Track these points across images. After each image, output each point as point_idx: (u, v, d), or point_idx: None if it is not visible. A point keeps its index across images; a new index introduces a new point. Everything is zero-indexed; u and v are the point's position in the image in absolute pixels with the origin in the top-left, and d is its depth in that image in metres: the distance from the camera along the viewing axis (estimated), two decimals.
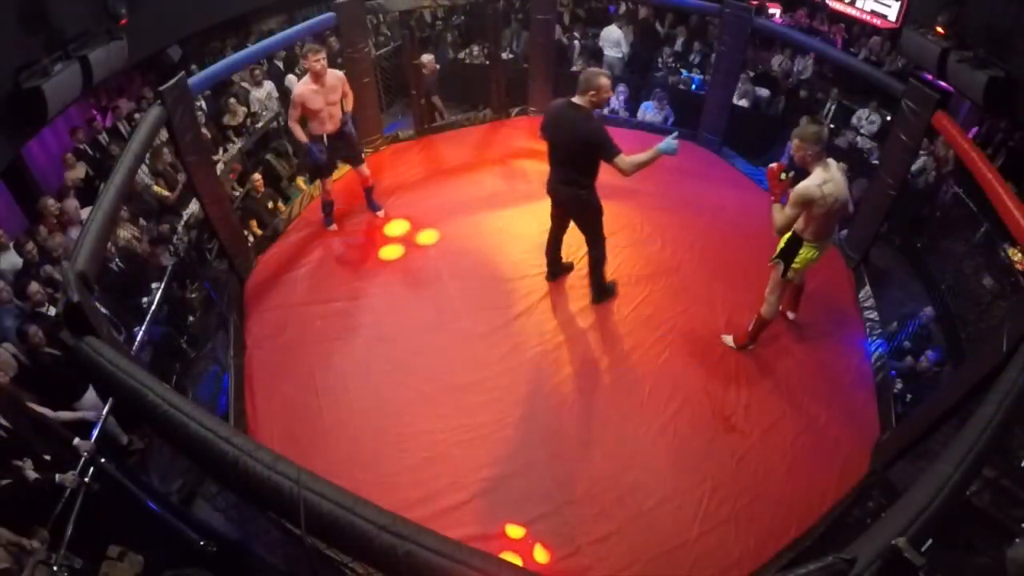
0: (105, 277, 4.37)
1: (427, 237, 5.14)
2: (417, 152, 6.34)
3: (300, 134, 4.62)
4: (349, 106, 4.77)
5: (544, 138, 3.89)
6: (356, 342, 4.27)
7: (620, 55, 7.85)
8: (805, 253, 3.66)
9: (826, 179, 3.35)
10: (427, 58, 6.74)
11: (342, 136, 4.80)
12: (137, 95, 6.90)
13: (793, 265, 3.71)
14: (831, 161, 3.43)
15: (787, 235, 3.71)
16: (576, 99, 3.63)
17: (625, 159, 3.61)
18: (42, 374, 3.77)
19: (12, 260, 4.47)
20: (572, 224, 4.22)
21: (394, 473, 3.48)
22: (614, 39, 7.84)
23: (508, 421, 3.74)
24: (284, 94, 7.11)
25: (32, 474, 3.00)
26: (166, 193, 5.76)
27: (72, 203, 5.08)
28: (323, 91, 4.52)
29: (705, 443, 3.66)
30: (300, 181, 6.63)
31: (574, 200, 3.97)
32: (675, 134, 3.68)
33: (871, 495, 3.46)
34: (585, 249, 4.35)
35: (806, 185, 3.35)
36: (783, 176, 3.50)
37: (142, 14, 4.92)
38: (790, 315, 4.36)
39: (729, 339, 4.24)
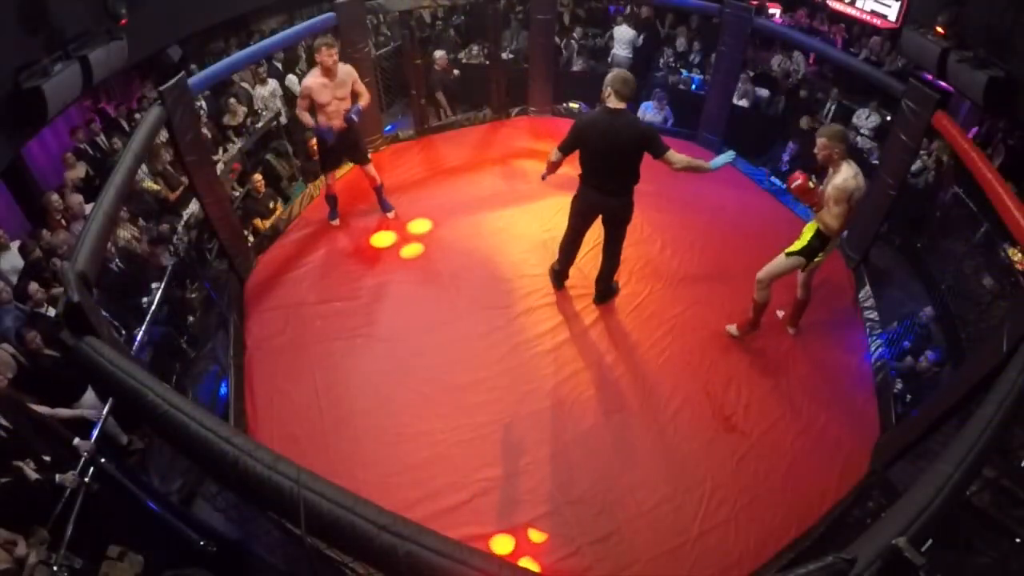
0: (105, 277, 4.37)
1: (427, 237, 5.14)
2: (417, 152, 6.34)
3: (308, 119, 4.63)
4: (364, 102, 4.78)
5: (578, 150, 3.76)
6: (356, 342, 4.27)
7: (630, 54, 7.89)
8: (828, 248, 3.79)
9: (856, 172, 3.48)
10: (439, 54, 6.82)
11: (348, 132, 4.79)
12: (137, 95, 6.90)
13: (816, 259, 3.83)
14: (850, 159, 3.55)
15: (810, 232, 3.79)
16: (615, 104, 3.60)
17: (676, 154, 3.66)
18: (41, 375, 3.76)
19: (12, 260, 4.47)
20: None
21: (394, 473, 3.48)
22: (628, 38, 7.87)
23: (508, 421, 3.75)
24: (285, 94, 7.12)
25: (33, 475, 2.99)
26: (157, 188, 5.74)
27: (76, 198, 5.07)
28: (332, 85, 4.54)
29: (705, 443, 3.67)
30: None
31: (624, 209, 3.94)
32: (731, 153, 3.84)
33: (871, 495, 3.46)
34: (586, 249, 4.35)
35: (844, 179, 3.47)
36: (811, 184, 3.58)
37: (142, 14, 4.92)
38: (791, 331, 4.37)
39: (732, 328, 4.30)
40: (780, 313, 4.33)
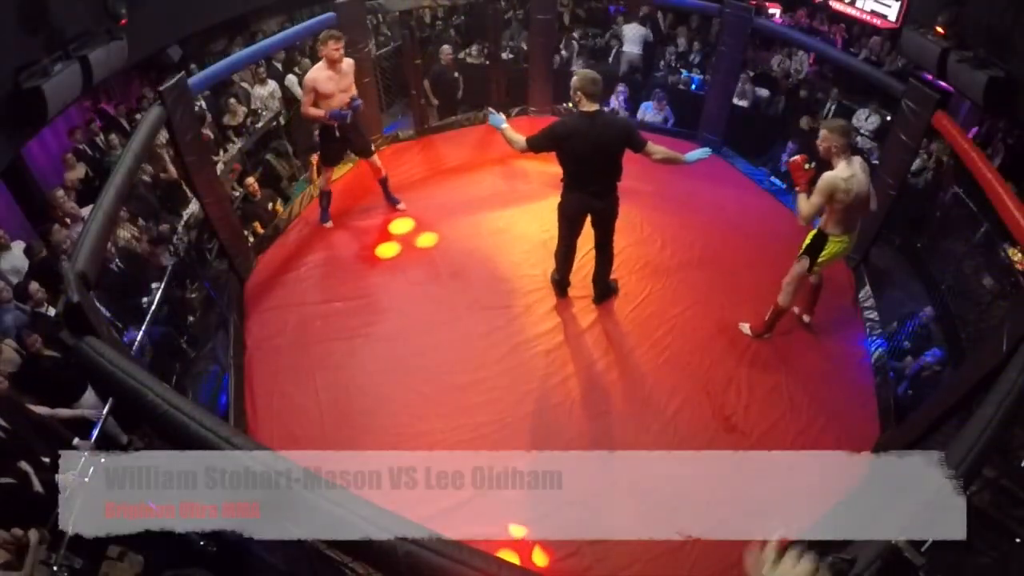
0: (105, 277, 4.37)
1: (427, 237, 5.14)
2: (417, 152, 6.34)
3: (316, 111, 4.57)
4: (353, 91, 4.80)
5: (564, 156, 3.71)
6: (356, 342, 4.27)
7: (641, 51, 7.94)
8: (831, 248, 3.78)
9: (850, 173, 3.50)
10: (446, 48, 6.85)
11: (353, 124, 4.80)
12: (137, 95, 6.91)
13: (819, 260, 3.82)
14: (855, 158, 3.57)
15: (812, 232, 3.83)
16: (588, 106, 3.56)
17: (654, 146, 3.70)
18: (41, 375, 3.76)
19: (12, 260, 4.47)
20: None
21: None
22: (639, 35, 7.91)
23: (508, 421, 3.74)
24: (284, 94, 7.12)
25: (38, 487, 2.99)
26: (148, 175, 5.71)
27: (69, 204, 5.07)
28: (337, 78, 4.54)
29: (705, 443, 3.66)
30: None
31: (612, 208, 3.93)
32: (707, 149, 3.92)
33: None
34: (583, 252, 4.35)
35: (833, 175, 3.50)
36: (807, 166, 3.63)
37: (142, 14, 4.92)
38: (805, 318, 4.38)
39: (746, 327, 4.30)
40: (795, 309, 4.35)
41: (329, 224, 5.29)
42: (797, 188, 3.70)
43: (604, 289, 4.43)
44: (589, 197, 3.84)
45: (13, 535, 2.74)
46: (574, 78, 3.60)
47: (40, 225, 4.82)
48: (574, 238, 4.14)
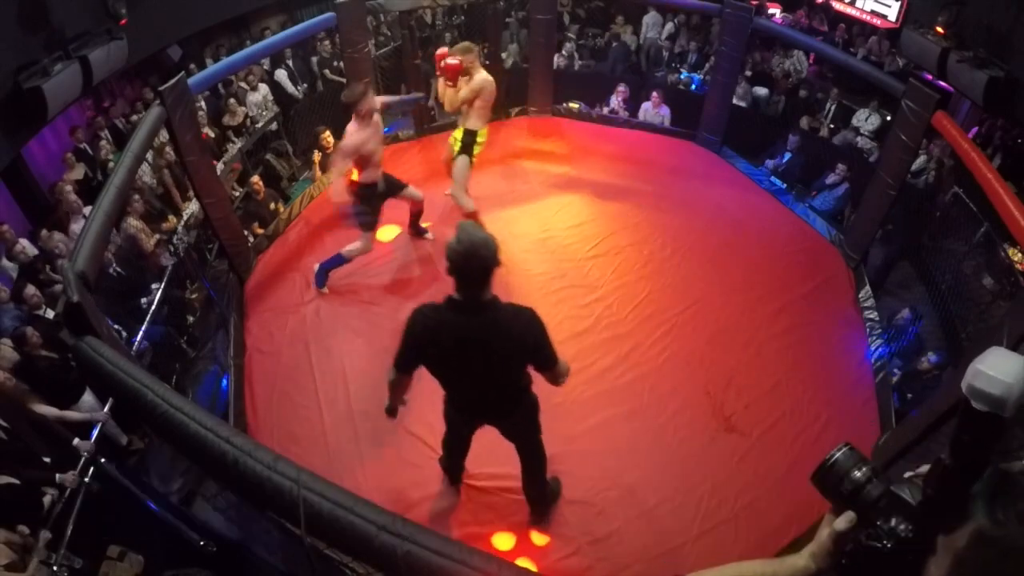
0: (104, 280, 4.37)
1: (427, 237, 5.13)
2: (417, 152, 6.34)
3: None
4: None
5: (429, 361, 2.56)
6: (356, 342, 4.27)
7: (658, 35, 8.06)
8: (480, 138, 4.53)
9: (491, 78, 4.36)
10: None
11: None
12: (136, 95, 6.91)
13: (475, 151, 4.56)
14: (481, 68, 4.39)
15: (460, 136, 4.55)
16: (470, 294, 2.17)
17: (561, 364, 2.41)
18: (38, 376, 3.76)
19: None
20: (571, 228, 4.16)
21: (394, 473, 3.48)
22: (659, 22, 8.09)
23: None
24: (276, 96, 7.12)
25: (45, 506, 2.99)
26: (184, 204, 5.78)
27: (71, 197, 5.07)
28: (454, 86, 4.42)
29: (705, 443, 3.66)
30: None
31: (524, 418, 2.73)
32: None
33: None
34: (588, 247, 4.32)
35: (486, 78, 4.35)
36: (453, 61, 4.31)
37: (142, 14, 4.93)
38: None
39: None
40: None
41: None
42: (448, 83, 4.35)
43: (541, 495, 3.16)
44: (482, 406, 2.69)
45: (21, 534, 2.74)
46: (450, 246, 2.09)
47: (39, 226, 4.81)
48: (461, 444, 3.07)
